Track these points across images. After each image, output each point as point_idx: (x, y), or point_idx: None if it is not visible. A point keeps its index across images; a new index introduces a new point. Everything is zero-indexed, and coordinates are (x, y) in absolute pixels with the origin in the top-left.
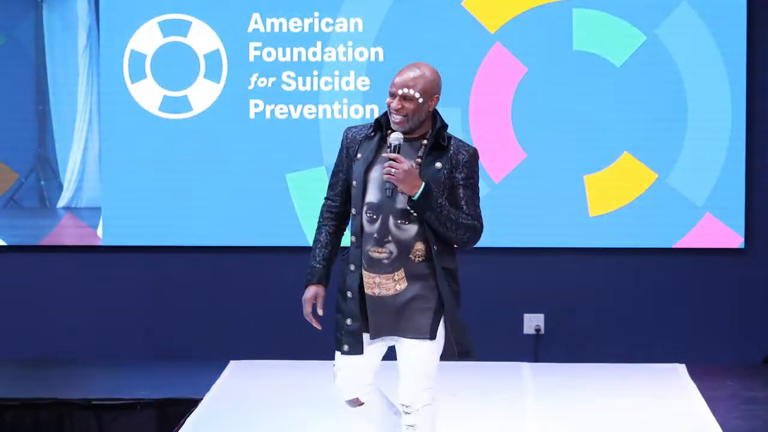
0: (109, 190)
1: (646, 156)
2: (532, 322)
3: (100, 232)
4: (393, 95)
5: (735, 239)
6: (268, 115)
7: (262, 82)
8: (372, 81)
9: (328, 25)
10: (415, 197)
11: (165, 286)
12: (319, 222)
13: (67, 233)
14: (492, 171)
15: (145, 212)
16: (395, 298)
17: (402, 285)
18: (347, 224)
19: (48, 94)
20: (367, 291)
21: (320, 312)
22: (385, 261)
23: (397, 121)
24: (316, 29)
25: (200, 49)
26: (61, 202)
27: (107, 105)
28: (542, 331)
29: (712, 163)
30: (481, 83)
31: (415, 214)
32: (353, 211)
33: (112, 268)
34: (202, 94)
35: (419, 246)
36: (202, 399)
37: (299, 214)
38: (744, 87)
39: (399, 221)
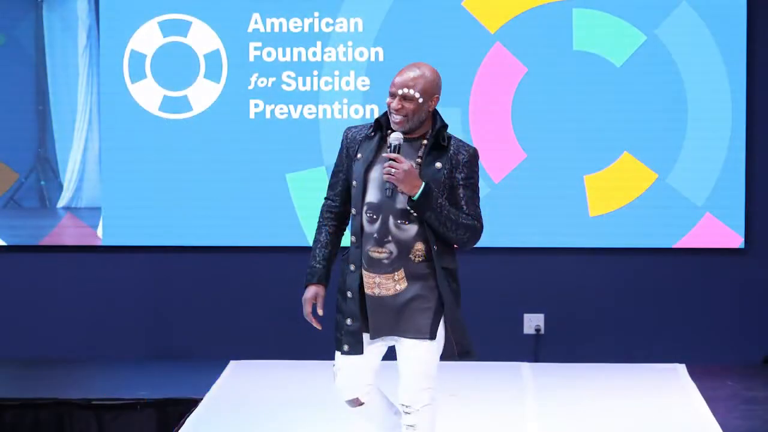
0: (109, 190)
1: (646, 156)
2: (532, 322)
3: (100, 232)
4: (393, 95)
5: (735, 239)
6: (268, 115)
7: (262, 82)
8: (372, 81)
9: (328, 25)
10: (415, 197)
11: (165, 286)
12: (319, 222)
13: (67, 233)
14: (492, 171)
15: (145, 212)
16: (395, 298)
17: (402, 285)
18: (347, 224)
19: (48, 94)
20: (367, 291)
21: (320, 312)
22: (385, 261)
23: (397, 121)
24: (316, 29)
25: (200, 49)
26: (61, 202)
27: (107, 105)
28: (542, 331)
29: (712, 163)
30: (481, 83)
31: (415, 214)
32: (353, 211)
33: (112, 268)
34: (202, 94)
35: (419, 246)
36: (202, 399)
37: (299, 214)
38: (744, 87)
39: (399, 221)
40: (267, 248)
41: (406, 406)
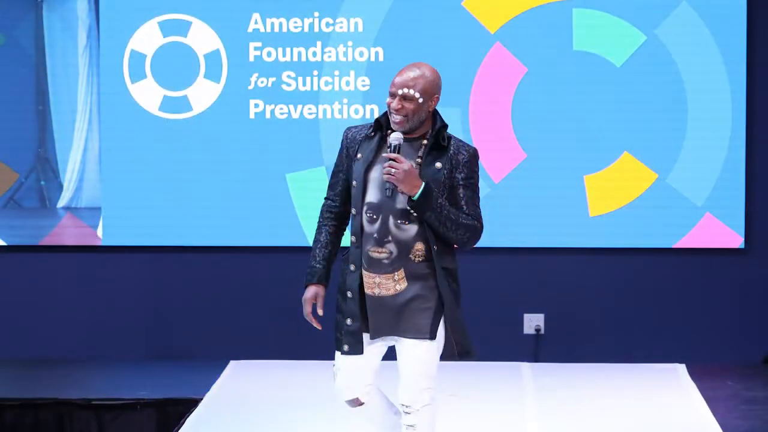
0: (109, 190)
1: (646, 156)
2: (532, 322)
3: (100, 232)
4: (393, 95)
5: (735, 239)
6: (268, 115)
7: (262, 82)
8: (372, 81)
9: (328, 25)
10: (415, 197)
11: (165, 286)
12: (319, 222)
13: (67, 233)
14: (492, 171)
15: (145, 212)
16: (395, 298)
17: (402, 285)
18: (347, 224)
19: (48, 94)
20: (367, 291)
21: (320, 312)
22: (385, 261)
23: (397, 121)
24: (316, 29)
25: (200, 49)
26: (61, 202)
27: (107, 105)
28: (542, 331)
29: (712, 163)
30: (481, 83)
31: (415, 214)
32: (353, 211)
33: (112, 268)
34: (202, 94)
35: (419, 246)
36: (202, 399)
37: (299, 214)
38: (744, 87)
39: (399, 221)
40: (267, 248)
41: (406, 406)
